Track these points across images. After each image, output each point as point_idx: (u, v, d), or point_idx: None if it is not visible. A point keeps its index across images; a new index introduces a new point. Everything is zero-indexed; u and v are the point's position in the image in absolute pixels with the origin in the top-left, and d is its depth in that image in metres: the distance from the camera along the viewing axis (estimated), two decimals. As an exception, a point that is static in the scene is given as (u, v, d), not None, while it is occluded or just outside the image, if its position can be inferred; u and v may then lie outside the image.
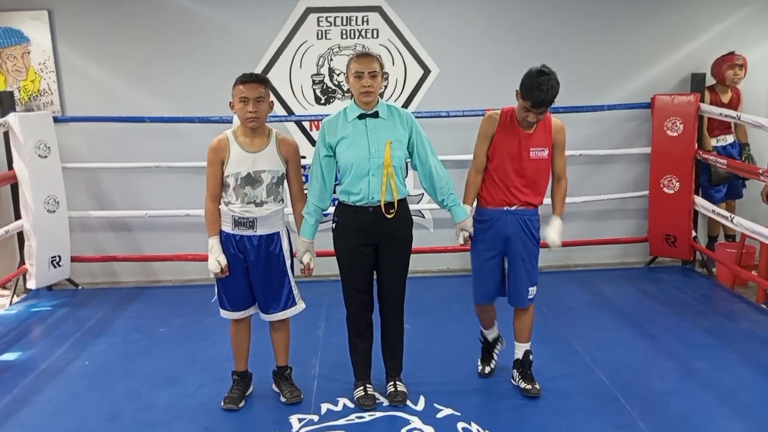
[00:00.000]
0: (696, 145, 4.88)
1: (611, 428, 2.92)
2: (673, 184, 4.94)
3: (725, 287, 4.78)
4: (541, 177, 3.13)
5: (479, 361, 3.46)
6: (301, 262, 3.10)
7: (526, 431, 2.93)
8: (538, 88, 2.87)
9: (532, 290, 3.17)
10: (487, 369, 3.42)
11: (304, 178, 3.20)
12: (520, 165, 3.06)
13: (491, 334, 3.42)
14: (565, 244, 5.22)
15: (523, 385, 3.23)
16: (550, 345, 3.80)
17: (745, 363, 3.53)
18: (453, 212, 3.13)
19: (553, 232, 3.16)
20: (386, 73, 4.98)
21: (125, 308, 4.61)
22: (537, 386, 3.21)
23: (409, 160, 3.11)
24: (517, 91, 2.97)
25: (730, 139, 5.09)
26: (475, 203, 3.22)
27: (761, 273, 4.49)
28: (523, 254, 3.13)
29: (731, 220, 4.49)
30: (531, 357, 3.26)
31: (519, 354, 3.27)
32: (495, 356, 3.44)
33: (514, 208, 3.10)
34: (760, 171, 4.18)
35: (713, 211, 4.73)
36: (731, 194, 5.12)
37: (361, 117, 2.97)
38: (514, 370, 3.30)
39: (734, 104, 5.02)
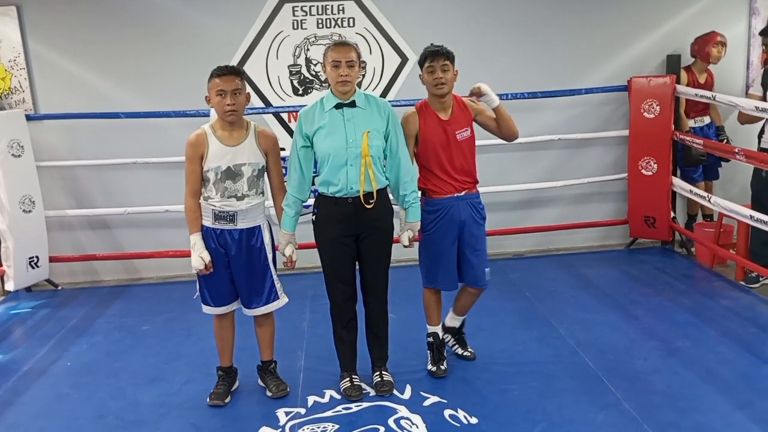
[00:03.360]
0: (673, 127, 4.92)
1: (596, 409, 2.95)
2: (651, 165, 4.97)
3: (704, 266, 4.83)
4: (471, 156, 3.22)
5: (429, 363, 3.33)
6: (284, 255, 3.09)
7: (512, 416, 2.94)
8: (430, 46, 3.15)
9: (488, 271, 3.29)
10: (443, 366, 3.31)
11: (284, 170, 3.17)
12: (451, 151, 3.14)
13: (439, 329, 3.37)
14: (546, 228, 5.33)
15: (460, 351, 3.46)
16: (534, 329, 3.83)
17: (725, 340, 3.58)
18: (409, 210, 3.12)
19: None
20: (364, 62, 4.93)
21: (107, 307, 4.56)
22: (471, 350, 3.47)
23: None
24: (420, 75, 3.18)
25: (707, 119, 5.13)
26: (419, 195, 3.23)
27: (739, 251, 4.55)
28: (477, 237, 3.23)
29: (709, 200, 4.54)
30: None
31: (457, 323, 3.46)
32: (444, 352, 3.38)
33: (463, 193, 3.18)
34: (736, 150, 4.22)
35: (691, 192, 4.78)
36: (709, 175, 5.18)
37: (338, 107, 2.96)
38: (451, 338, 3.47)
39: (709, 85, 5.06)
